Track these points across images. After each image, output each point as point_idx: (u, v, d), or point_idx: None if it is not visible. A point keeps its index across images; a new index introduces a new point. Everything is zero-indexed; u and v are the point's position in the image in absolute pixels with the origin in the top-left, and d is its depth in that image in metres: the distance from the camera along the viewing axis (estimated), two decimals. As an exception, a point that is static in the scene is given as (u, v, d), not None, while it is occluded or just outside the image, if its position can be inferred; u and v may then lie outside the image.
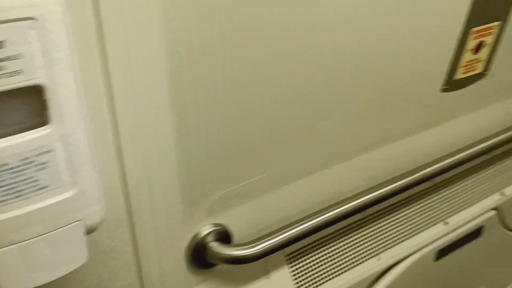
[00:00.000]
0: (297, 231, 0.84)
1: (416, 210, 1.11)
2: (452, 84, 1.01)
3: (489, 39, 0.99)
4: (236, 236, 0.85)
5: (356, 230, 1.02)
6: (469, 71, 1.01)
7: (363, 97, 0.88)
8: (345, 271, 1.00)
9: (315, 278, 0.96)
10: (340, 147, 0.94)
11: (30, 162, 0.49)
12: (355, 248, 1.02)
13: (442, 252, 1.14)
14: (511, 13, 1.01)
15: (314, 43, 0.74)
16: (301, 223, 0.86)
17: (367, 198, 0.94)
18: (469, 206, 1.19)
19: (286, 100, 0.78)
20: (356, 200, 0.93)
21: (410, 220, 1.10)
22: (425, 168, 1.01)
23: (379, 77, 0.87)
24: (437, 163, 1.03)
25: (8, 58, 0.44)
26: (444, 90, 1.01)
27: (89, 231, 0.58)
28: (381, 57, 0.85)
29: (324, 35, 0.75)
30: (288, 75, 0.75)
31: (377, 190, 0.96)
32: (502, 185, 1.24)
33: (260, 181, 0.84)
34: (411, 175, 0.99)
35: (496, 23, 0.97)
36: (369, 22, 0.78)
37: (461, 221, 1.15)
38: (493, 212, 1.22)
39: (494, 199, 1.22)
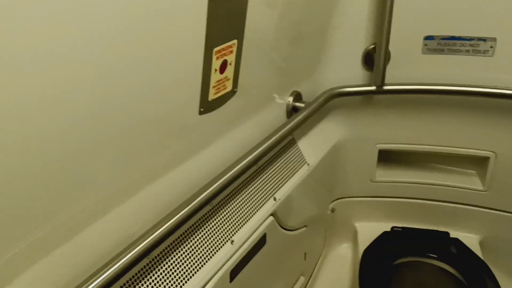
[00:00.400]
0: None
1: (202, 236, 1.08)
2: (207, 105, 1.01)
3: (231, 57, 1.03)
4: None
5: (143, 276, 0.93)
6: (220, 91, 1.03)
7: (120, 138, 0.81)
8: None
9: None
10: (108, 193, 0.84)
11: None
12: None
13: (235, 271, 1.14)
14: (245, 31, 1.07)
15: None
16: None
17: (152, 239, 0.87)
18: (250, 218, 1.22)
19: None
20: (141, 243, 0.85)
21: (199, 249, 1.06)
22: (201, 194, 0.99)
23: (130, 113, 0.81)
24: (211, 185, 1.02)
25: None
26: (201, 113, 1.00)
27: None
28: (125, 91, 0.78)
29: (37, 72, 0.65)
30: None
31: (160, 228, 0.90)
32: (273, 191, 1.32)
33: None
34: (187, 205, 0.95)
35: (233, 41, 1.01)
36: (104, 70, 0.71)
37: (245, 235, 1.17)
38: (271, 218, 1.28)
39: (269, 206, 1.28)
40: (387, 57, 1.52)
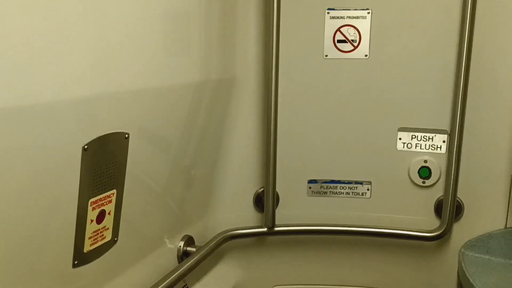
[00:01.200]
0: None
1: None
2: (82, 257, 0.98)
3: (110, 207, 1.03)
4: None
5: None
6: (97, 242, 1.02)
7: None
8: None
9: None
10: None
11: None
12: None
13: None
14: (128, 179, 1.10)
15: None
16: None
17: None
18: None
19: None
20: None
21: None
22: None
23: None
24: None
25: None
26: (76, 265, 0.97)
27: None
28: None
29: None
30: None
31: None
32: None
33: None
34: None
35: (112, 191, 1.03)
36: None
37: None
38: None
39: None
40: (276, 199, 1.60)
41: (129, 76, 1.07)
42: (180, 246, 1.44)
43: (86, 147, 0.91)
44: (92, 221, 0.98)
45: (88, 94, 0.93)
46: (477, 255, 1.47)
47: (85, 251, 0.98)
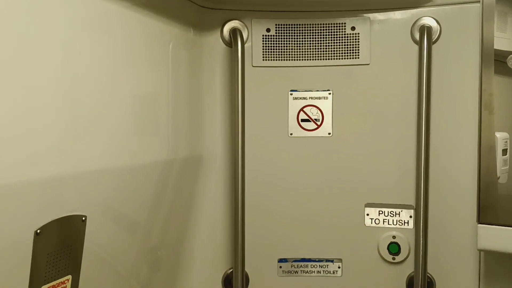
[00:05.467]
0: None
1: None
2: None
3: (64, 294, 0.99)
4: None
5: None
6: (49, 331, 0.96)
7: None
8: None
9: None
10: None
11: None
12: None
13: None
14: (85, 265, 1.06)
15: None
16: None
17: None
18: None
19: None
20: None
21: None
22: None
23: None
24: None
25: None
26: None
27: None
28: None
29: None
30: None
31: None
32: None
33: None
34: None
35: (67, 277, 0.99)
36: None
37: None
38: None
39: None
40: (246, 280, 1.55)
41: (93, 156, 1.08)
42: (143, 334, 1.37)
43: (39, 231, 0.89)
44: (44, 309, 0.93)
45: (45, 175, 0.92)
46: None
47: None
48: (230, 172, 1.56)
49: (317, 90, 1.57)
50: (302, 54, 1.56)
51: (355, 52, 1.55)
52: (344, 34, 1.55)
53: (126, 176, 1.23)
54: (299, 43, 1.56)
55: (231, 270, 1.56)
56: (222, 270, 1.58)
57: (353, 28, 1.55)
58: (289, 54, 1.56)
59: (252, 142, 1.55)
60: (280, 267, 1.60)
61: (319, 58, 1.56)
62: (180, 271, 1.55)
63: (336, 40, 1.55)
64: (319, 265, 1.59)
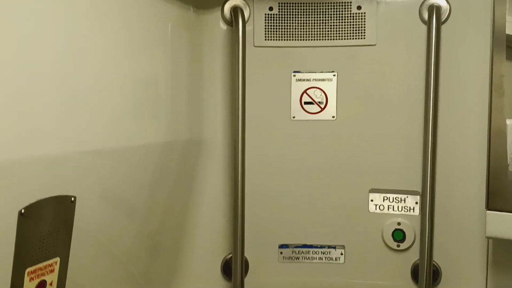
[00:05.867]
0: None
1: None
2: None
3: (51, 277, 0.96)
4: None
5: None
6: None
7: None
8: None
9: None
10: None
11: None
12: None
13: None
14: (79, 248, 1.04)
15: None
16: None
17: None
18: None
19: None
20: None
21: None
22: None
23: None
24: None
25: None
26: None
27: None
28: None
29: None
30: None
31: None
32: None
33: None
34: None
35: (55, 259, 0.96)
36: None
37: None
38: None
39: None
40: (246, 266, 1.52)
41: (90, 137, 1.05)
42: (139, 318, 1.34)
43: (23, 211, 0.86)
44: (29, 292, 0.91)
45: (37, 154, 0.89)
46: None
47: (20, 327, 0.90)
48: (230, 156, 1.52)
49: (321, 72, 1.52)
50: (306, 34, 1.50)
51: (361, 32, 1.49)
52: (350, 14, 1.49)
53: (123, 158, 1.20)
54: (303, 23, 1.50)
55: (231, 255, 1.53)
56: (221, 255, 1.55)
57: (359, 7, 1.48)
58: (292, 34, 1.51)
59: (253, 125, 1.50)
60: (281, 253, 1.56)
61: (324, 38, 1.50)
62: (179, 256, 1.52)
63: (341, 19, 1.49)
64: (321, 252, 1.55)
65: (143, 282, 1.37)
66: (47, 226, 0.93)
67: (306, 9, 1.49)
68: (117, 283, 1.25)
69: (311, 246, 1.55)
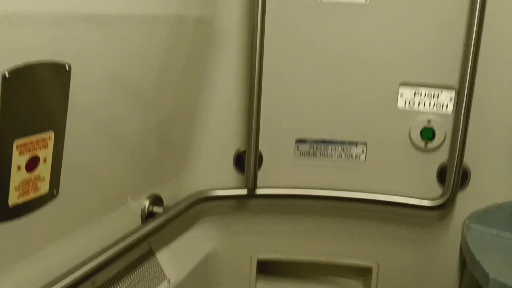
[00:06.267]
0: None
1: None
2: (6, 212, 0.81)
3: (45, 153, 0.85)
4: None
5: None
6: (29, 193, 0.84)
7: None
8: None
9: None
10: None
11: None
12: None
13: None
14: (78, 123, 0.92)
15: None
16: None
17: None
18: None
19: None
20: None
21: None
22: None
23: None
24: None
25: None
26: (-2, 220, 0.80)
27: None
28: None
29: None
30: None
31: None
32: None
33: None
34: None
35: (48, 133, 0.85)
36: None
37: None
38: None
39: None
40: (259, 159, 1.42)
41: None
42: (145, 206, 1.27)
43: (7, 74, 0.73)
44: (19, 168, 0.80)
45: (22, 10, 0.74)
46: (483, 228, 1.30)
47: (10, 204, 0.81)
48: (247, 43, 1.35)
49: None
50: None
51: None
52: None
53: (127, 27, 1.04)
54: None
55: (244, 147, 1.42)
56: (234, 147, 1.45)
57: None
58: None
59: (275, 5, 1.32)
60: (298, 148, 1.45)
61: None
62: (189, 145, 1.42)
63: None
64: (341, 148, 1.44)
65: (149, 171, 1.28)
66: (37, 94, 0.80)
67: None
68: (121, 167, 1.15)
69: (330, 142, 1.44)
